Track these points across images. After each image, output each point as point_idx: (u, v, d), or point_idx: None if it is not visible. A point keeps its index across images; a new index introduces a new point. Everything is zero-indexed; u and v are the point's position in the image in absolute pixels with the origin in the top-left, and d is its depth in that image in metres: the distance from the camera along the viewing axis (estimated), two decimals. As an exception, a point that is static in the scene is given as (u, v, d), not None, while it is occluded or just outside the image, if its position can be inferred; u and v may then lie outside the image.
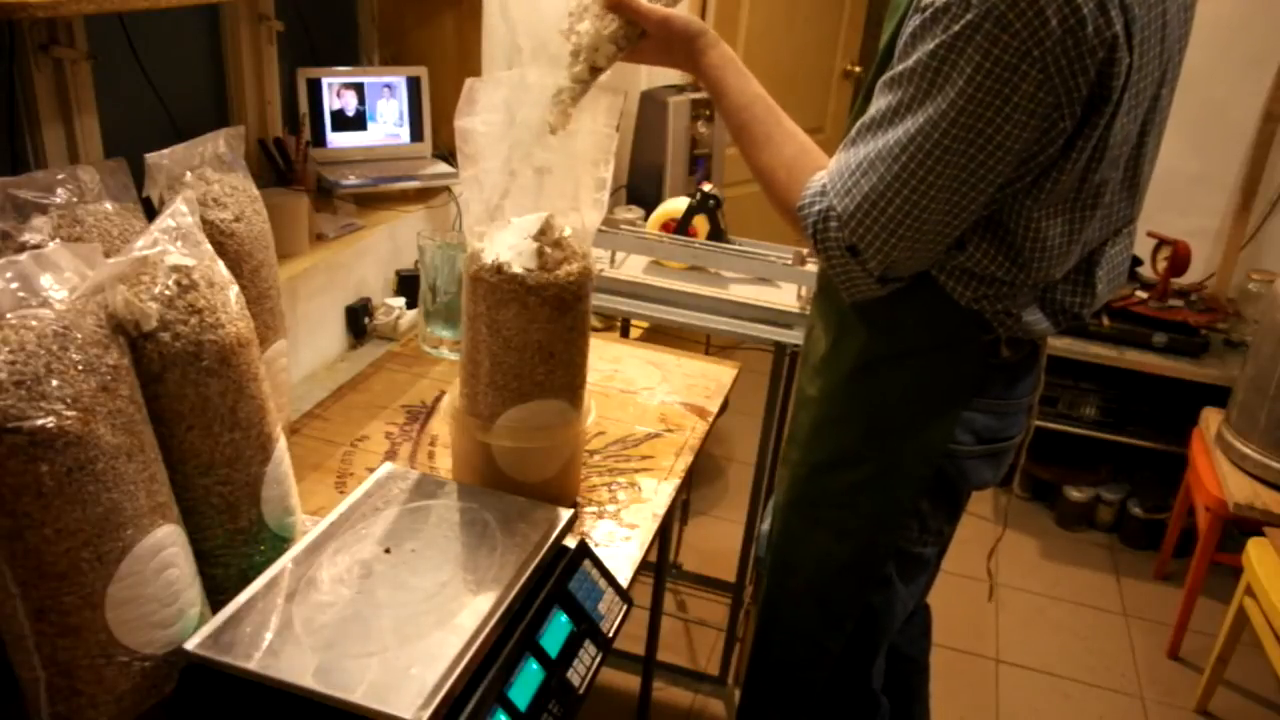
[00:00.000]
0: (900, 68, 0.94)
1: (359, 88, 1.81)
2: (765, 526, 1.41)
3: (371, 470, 1.13)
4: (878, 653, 1.30)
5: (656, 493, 1.31)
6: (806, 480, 1.24)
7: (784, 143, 1.08)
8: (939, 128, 0.92)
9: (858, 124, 1.00)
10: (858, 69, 3.73)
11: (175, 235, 0.87)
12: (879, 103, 0.98)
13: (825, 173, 1.03)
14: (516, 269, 1.06)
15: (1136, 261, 2.76)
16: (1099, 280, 1.09)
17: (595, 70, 1.09)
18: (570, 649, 0.98)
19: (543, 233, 1.08)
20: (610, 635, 1.05)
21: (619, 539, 1.21)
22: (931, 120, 0.92)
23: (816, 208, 1.02)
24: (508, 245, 1.08)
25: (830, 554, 1.23)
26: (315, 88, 1.75)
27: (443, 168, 1.86)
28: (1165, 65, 0.99)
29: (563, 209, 1.12)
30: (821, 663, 1.29)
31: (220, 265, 0.92)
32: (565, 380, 1.14)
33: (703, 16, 3.02)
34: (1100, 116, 0.92)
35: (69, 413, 0.73)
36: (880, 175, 0.96)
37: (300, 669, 0.81)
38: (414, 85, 1.88)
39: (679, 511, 2.42)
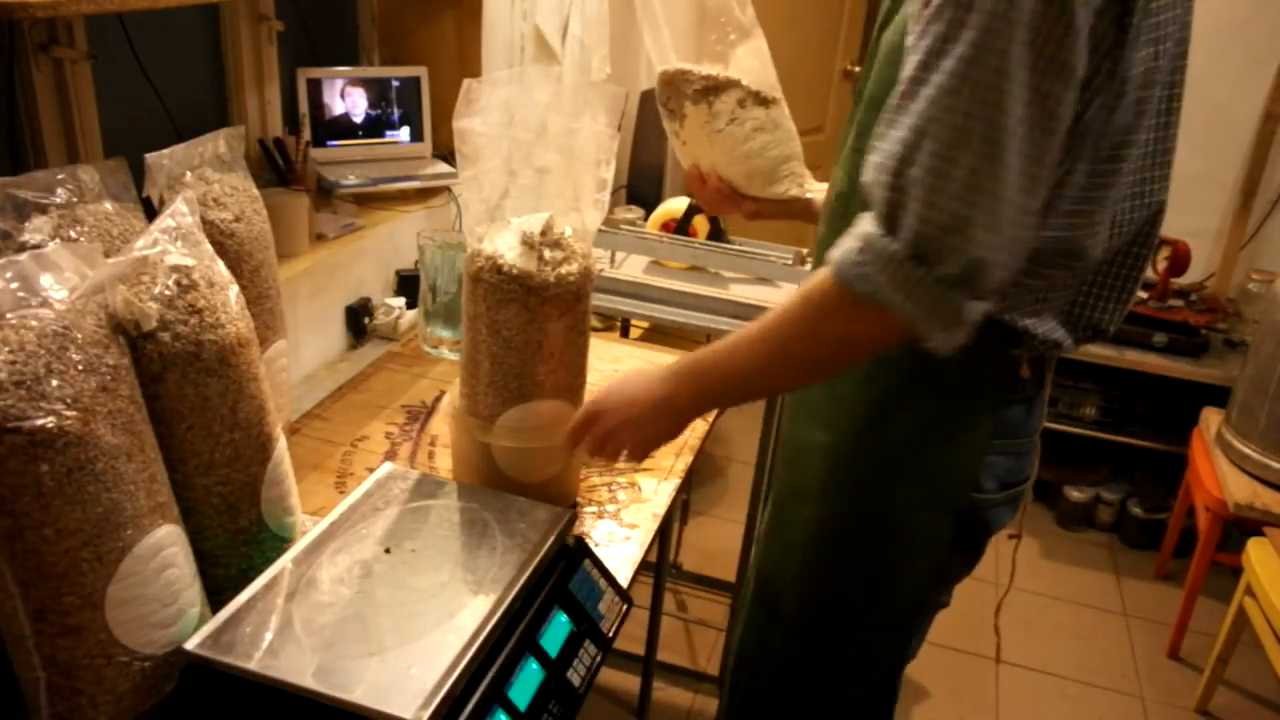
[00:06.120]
0: (928, 10, 0.81)
1: (360, 87, 1.81)
2: (764, 529, 1.40)
3: (371, 470, 1.13)
4: (897, 696, 1.25)
5: (656, 493, 1.31)
6: (826, 538, 1.12)
7: (771, 330, 0.93)
8: (999, 35, 0.76)
9: (881, 117, 0.86)
10: (858, 69, 3.73)
11: (175, 235, 0.88)
12: (908, 68, 0.82)
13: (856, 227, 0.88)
14: (516, 269, 1.06)
15: (1136, 261, 2.76)
16: (1135, 291, 1.00)
17: None
18: (570, 649, 0.98)
19: (543, 233, 1.08)
20: (610, 635, 1.05)
21: (619, 539, 1.21)
22: (988, 30, 0.76)
23: (853, 247, 0.85)
24: (508, 245, 1.08)
25: (862, 615, 1.15)
26: (315, 88, 1.75)
27: (443, 168, 1.86)
28: (1185, 20, 0.91)
29: (563, 209, 1.12)
30: (845, 712, 1.24)
31: (220, 265, 0.92)
32: (565, 380, 1.14)
33: (703, 16, 3.01)
34: (1126, 33, 0.81)
35: (69, 413, 0.73)
36: (934, 134, 0.79)
37: (300, 669, 0.81)
38: (414, 85, 1.88)
39: (679, 511, 2.42)
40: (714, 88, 1.27)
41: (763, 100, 1.28)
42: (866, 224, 0.86)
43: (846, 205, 1.01)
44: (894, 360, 0.97)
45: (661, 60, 1.30)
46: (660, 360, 1.69)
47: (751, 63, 1.30)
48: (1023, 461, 1.08)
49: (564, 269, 1.08)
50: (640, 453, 1.06)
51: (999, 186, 0.79)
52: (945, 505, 1.05)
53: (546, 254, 1.07)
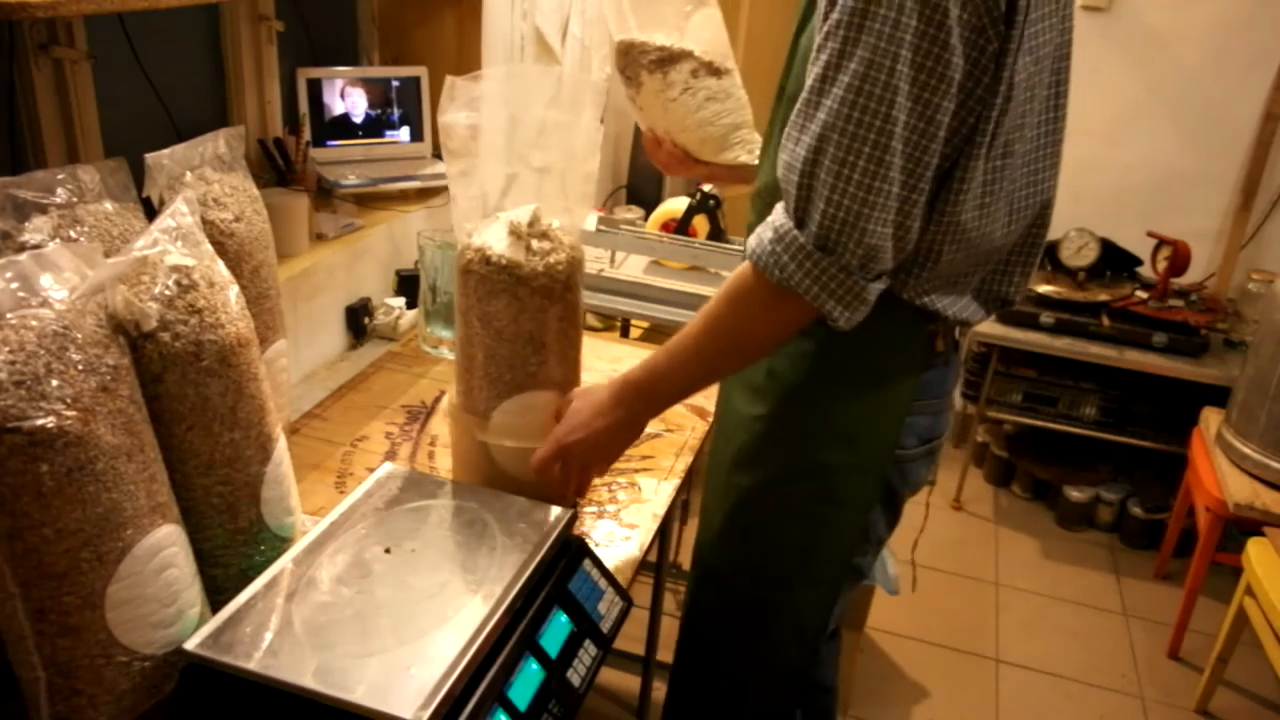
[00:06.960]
0: (825, 26, 0.89)
1: (360, 87, 1.82)
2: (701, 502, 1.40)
3: (371, 470, 1.13)
4: (819, 655, 1.31)
5: (656, 493, 1.31)
6: (762, 500, 1.18)
7: (702, 330, 1.03)
8: (887, 55, 0.86)
9: (790, 120, 0.95)
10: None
11: (175, 235, 0.88)
12: (810, 78, 0.92)
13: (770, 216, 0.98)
14: (505, 259, 1.07)
15: (1136, 261, 2.76)
16: (1035, 265, 1.10)
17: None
18: (570, 649, 0.98)
19: (530, 224, 1.09)
20: (610, 635, 1.05)
21: (619, 539, 1.21)
22: (876, 50, 0.87)
23: (767, 237, 0.95)
24: (496, 237, 1.08)
25: (792, 572, 1.20)
26: (315, 88, 1.75)
27: (442, 167, 1.86)
28: (1064, 27, 0.97)
29: (551, 203, 1.13)
30: (771, 666, 1.29)
31: (220, 265, 0.92)
32: (558, 371, 1.14)
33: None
34: (1008, 43, 0.90)
35: (69, 413, 0.73)
36: (835, 142, 0.90)
37: (300, 669, 0.81)
38: (414, 85, 1.88)
39: (679, 511, 2.42)
40: (668, 58, 1.30)
41: (715, 70, 1.31)
42: (779, 216, 0.96)
43: (772, 196, 1.05)
44: (823, 340, 1.07)
45: (620, 29, 1.32)
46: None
47: (705, 32, 1.32)
48: (938, 420, 1.18)
49: (552, 258, 1.08)
50: (608, 468, 1.20)
51: (888, 185, 0.90)
52: (871, 463, 1.13)
53: (534, 244, 1.08)
